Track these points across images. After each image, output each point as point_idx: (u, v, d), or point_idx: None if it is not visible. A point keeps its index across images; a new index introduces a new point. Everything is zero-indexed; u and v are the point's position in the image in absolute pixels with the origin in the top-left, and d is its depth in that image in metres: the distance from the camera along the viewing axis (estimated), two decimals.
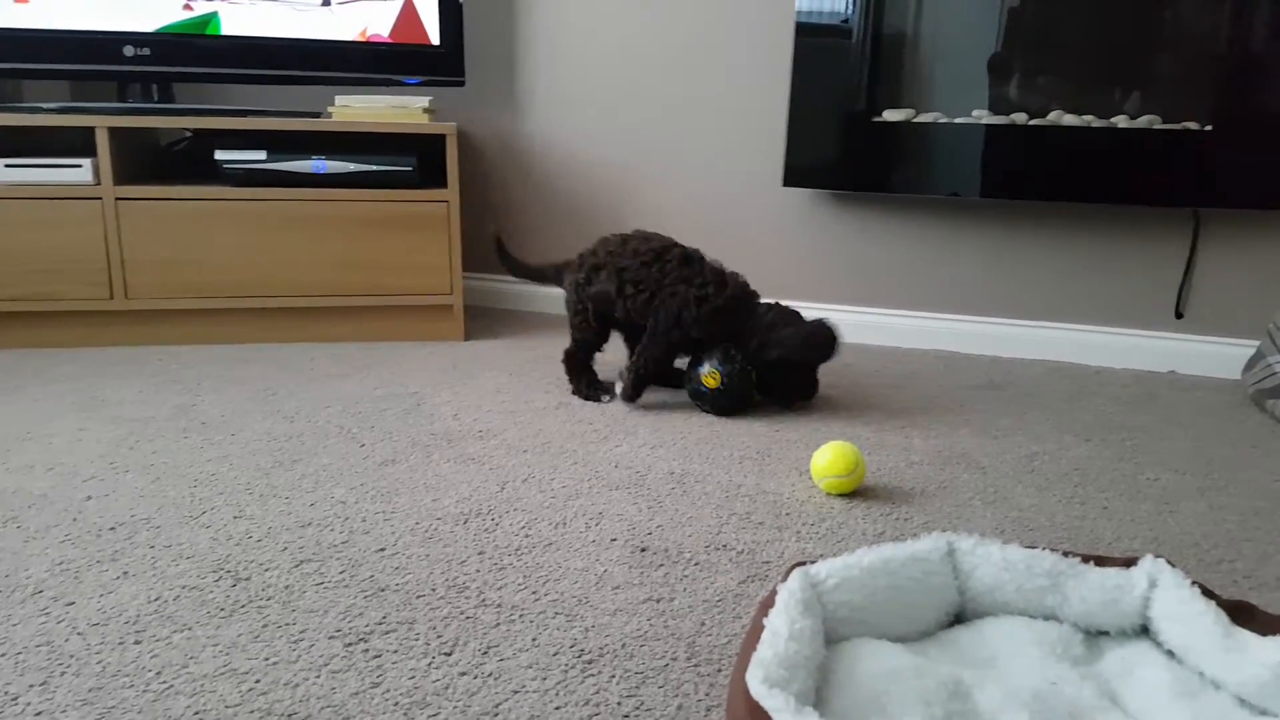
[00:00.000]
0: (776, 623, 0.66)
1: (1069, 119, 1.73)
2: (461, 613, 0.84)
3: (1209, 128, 1.65)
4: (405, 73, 1.87)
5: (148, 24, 1.76)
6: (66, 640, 0.78)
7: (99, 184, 1.67)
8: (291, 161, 1.75)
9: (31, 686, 0.72)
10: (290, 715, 0.69)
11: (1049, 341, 1.87)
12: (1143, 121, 1.69)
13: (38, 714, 0.69)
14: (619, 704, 0.72)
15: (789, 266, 2.00)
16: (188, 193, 1.71)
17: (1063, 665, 0.71)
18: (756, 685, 0.59)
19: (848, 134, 1.82)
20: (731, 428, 1.38)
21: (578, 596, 0.87)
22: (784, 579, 0.72)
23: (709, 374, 1.40)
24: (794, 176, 1.87)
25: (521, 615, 0.84)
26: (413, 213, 1.78)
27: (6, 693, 0.71)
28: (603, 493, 1.12)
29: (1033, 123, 1.74)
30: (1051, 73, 1.75)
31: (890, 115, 1.81)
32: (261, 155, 1.74)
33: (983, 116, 1.77)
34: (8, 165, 1.66)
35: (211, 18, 1.78)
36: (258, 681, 0.73)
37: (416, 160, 1.78)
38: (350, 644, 0.79)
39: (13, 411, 1.37)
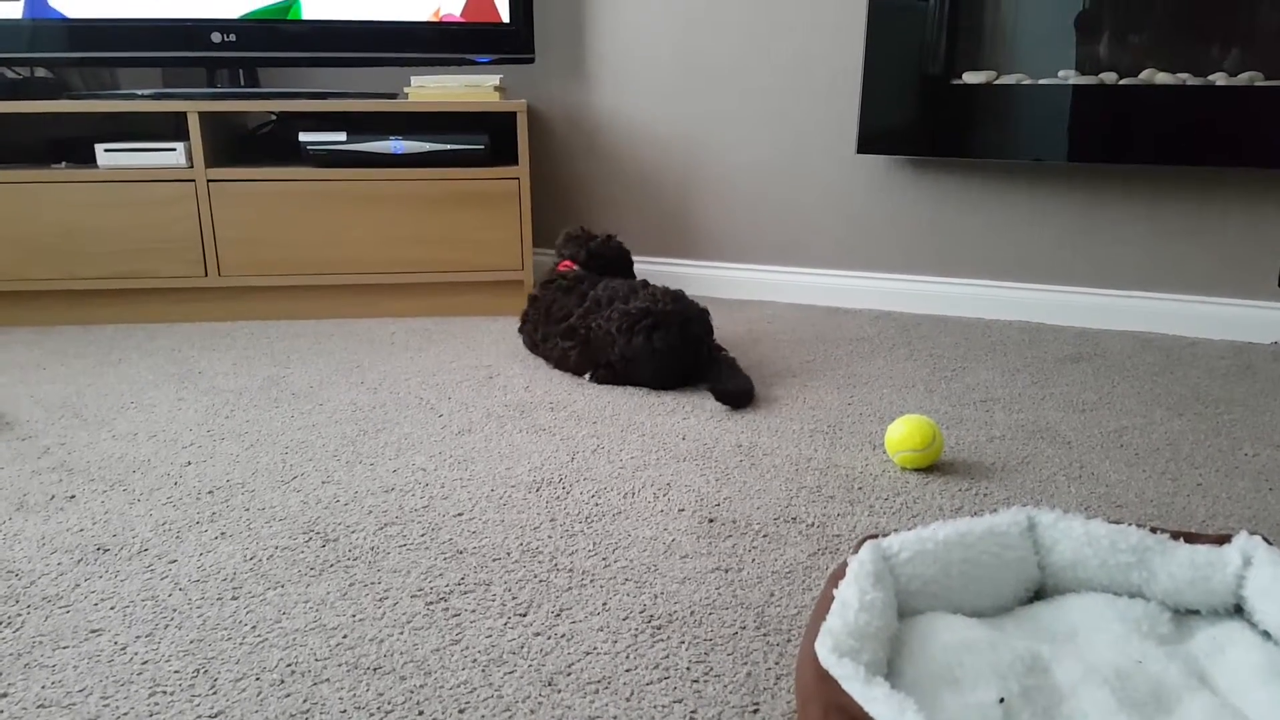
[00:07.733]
0: (847, 594, 0.66)
1: (1162, 77, 1.64)
2: (535, 576, 0.86)
3: None
4: (477, 51, 1.89)
5: (233, 10, 1.82)
6: (170, 595, 0.84)
7: (191, 166, 1.75)
8: (370, 142, 1.79)
9: (138, 637, 0.77)
10: (375, 669, 0.72)
11: (1139, 312, 1.79)
12: (1243, 79, 1.59)
13: (144, 663, 0.74)
14: (688, 669, 0.73)
15: (864, 235, 1.95)
16: (274, 174, 1.78)
17: (1148, 643, 0.69)
18: (825, 654, 0.59)
19: (925, 98, 1.77)
20: (800, 402, 1.37)
21: (646, 564, 0.89)
22: (855, 551, 0.71)
23: None
24: (869, 143, 1.83)
25: (592, 580, 0.85)
26: (484, 190, 1.81)
27: (116, 643, 0.76)
28: (670, 464, 1.13)
29: (1123, 82, 1.65)
30: (1143, 29, 1.66)
31: (970, 77, 1.74)
32: (342, 136, 1.79)
33: (1069, 77, 1.69)
34: (107, 150, 1.75)
35: (293, 2, 1.83)
36: (345, 636, 0.77)
37: (488, 138, 1.81)
38: (431, 603, 0.82)
39: (116, 382, 1.46)
